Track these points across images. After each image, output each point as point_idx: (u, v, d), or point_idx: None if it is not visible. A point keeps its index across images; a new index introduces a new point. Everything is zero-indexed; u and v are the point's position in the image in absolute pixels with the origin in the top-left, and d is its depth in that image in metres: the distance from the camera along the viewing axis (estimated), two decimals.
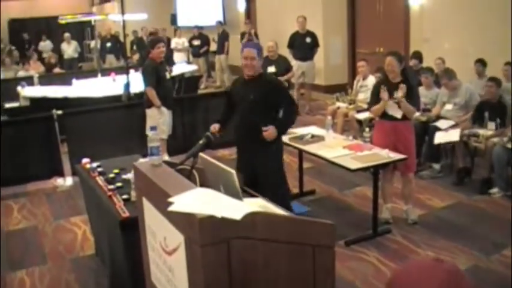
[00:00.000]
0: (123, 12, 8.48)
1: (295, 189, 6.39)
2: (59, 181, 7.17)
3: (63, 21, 11.71)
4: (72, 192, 6.83)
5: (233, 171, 2.39)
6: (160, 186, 2.46)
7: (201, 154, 2.81)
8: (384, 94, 5.29)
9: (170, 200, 2.23)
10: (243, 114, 4.83)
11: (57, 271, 4.83)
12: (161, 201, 2.41)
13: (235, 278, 2.19)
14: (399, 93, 5.20)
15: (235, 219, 2.07)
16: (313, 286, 2.38)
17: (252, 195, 2.87)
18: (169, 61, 11.31)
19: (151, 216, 2.67)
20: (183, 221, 2.22)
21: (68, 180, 7.16)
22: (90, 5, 14.88)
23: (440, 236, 5.17)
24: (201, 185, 2.64)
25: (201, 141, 3.01)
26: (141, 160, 4.08)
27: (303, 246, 2.35)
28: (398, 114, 5.30)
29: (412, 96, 5.31)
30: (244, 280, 2.22)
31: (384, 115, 5.40)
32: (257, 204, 2.54)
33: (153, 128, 2.97)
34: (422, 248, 4.96)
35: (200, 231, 2.09)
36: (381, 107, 5.37)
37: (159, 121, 6.72)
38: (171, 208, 2.18)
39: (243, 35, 13.38)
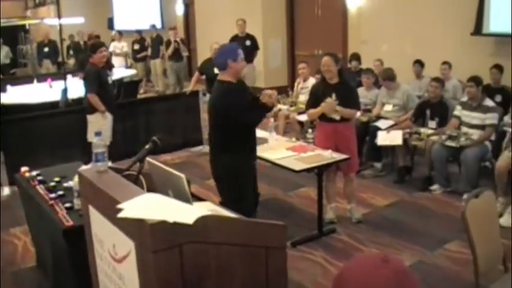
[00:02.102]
0: (59, 16, 8.29)
1: None
2: None
3: None
4: (10, 202, 6.59)
5: (183, 176, 2.36)
6: (108, 193, 2.40)
7: (148, 159, 2.76)
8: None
9: (119, 206, 2.18)
10: None
11: None
12: (109, 208, 2.35)
13: (189, 283, 2.16)
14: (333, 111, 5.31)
15: (188, 224, 2.04)
16: (266, 287, 2.37)
17: (201, 199, 2.84)
18: (109, 65, 11.08)
19: (99, 224, 2.61)
20: (133, 228, 2.17)
21: (5, 190, 6.92)
22: (24, 9, 14.41)
23: (385, 233, 5.27)
24: (148, 190, 2.59)
25: (147, 146, 2.94)
26: (84, 167, 3.99)
27: (255, 248, 2.34)
28: (336, 116, 5.36)
29: (351, 98, 5.40)
30: (198, 285, 2.20)
31: (324, 117, 5.45)
32: (206, 207, 2.52)
33: (97, 134, 2.90)
34: (368, 245, 5.04)
35: (152, 237, 2.05)
36: (317, 112, 5.43)
37: (103, 127, 6.57)
38: (120, 215, 2.13)
39: (168, 44, 12.95)
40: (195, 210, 2.18)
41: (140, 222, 2.08)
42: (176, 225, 2.05)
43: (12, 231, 5.74)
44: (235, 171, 4.37)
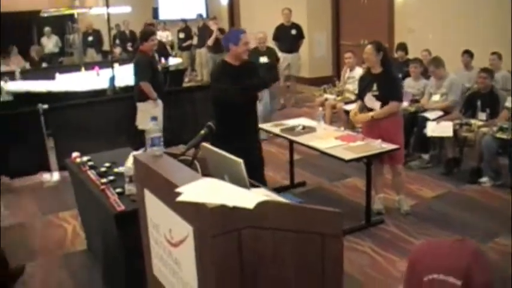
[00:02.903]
0: (107, 5, 8.37)
1: (285, 181, 6.39)
2: (46, 176, 7.09)
3: (45, 15, 11.52)
4: (59, 187, 6.76)
5: (241, 161, 2.35)
6: (165, 177, 2.41)
7: (203, 144, 2.77)
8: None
9: (178, 190, 2.18)
10: None
11: (48, 267, 4.76)
12: (166, 192, 2.36)
13: (246, 268, 2.15)
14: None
15: (247, 208, 2.04)
16: (322, 275, 2.36)
17: (254, 185, 2.83)
18: (165, 53, 11.11)
19: (154, 208, 2.62)
20: (192, 212, 2.17)
21: (55, 176, 7.08)
22: None
23: (433, 225, 5.19)
24: (203, 176, 2.59)
25: (202, 131, 2.96)
26: (135, 153, 4.03)
27: (311, 234, 2.32)
28: (376, 106, 5.31)
29: (392, 88, 5.33)
30: (254, 270, 2.19)
31: (367, 109, 5.46)
32: (261, 193, 2.50)
33: (153, 119, 2.91)
34: (416, 237, 4.97)
35: (211, 221, 2.05)
36: (360, 119, 5.58)
37: (154, 114, 6.60)
38: (179, 198, 2.13)
39: (209, 34, 12.67)
40: (253, 195, 2.18)
41: (199, 206, 2.08)
42: (235, 209, 2.05)
43: (61, 215, 5.87)
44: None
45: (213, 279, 2.13)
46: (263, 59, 8.32)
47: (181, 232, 2.32)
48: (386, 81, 5.30)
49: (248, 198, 2.10)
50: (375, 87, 5.31)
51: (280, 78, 9.14)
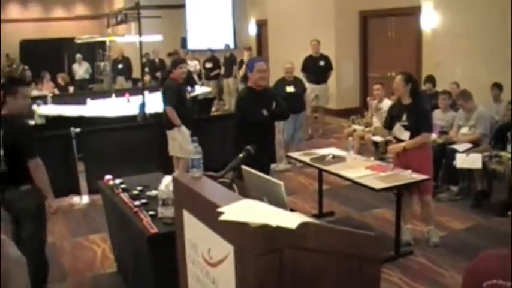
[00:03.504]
0: (140, 34, 8.54)
1: (314, 211, 6.38)
2: (75, 199, 7.17)
3: (79, 41, 11.80)
4: (89, 210, 6.83)
5: (281, 183, 2.39)
6: (206, 197, 2.45)
7: (243, 167, 2.82)
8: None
9: (220, 210, 2.23)
10: None
11: None
12: (207, 212, 2.41)
13: None
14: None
15: (290, 228, 2.07)
16: None
17: (291, 210, 2.87)
18: (191, 81, 11.27)
19: (193, 228, 2.66)
20: (233, 231, 2.20)
21: (84, 199, 7.16)
22: (106, 27, 14.94)
23: (462, 257, 5.13)
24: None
25: (241, 155, 3.03)
26: (167, 177, 4.10)
27: (350, 257, 2.34)
28: (405, 136, 5.34)
29: (421, 119, 5.36)
30: None
31: (396, 139, 5.52)
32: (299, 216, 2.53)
33: (194, 141, 2.97)
34: (445, 268, 4.94)
35: (254, 240, 2.08)
36: (392, 149, 5.60)
37: (181, 141, 6.74)
38: (222, 217, 2.17)
39: (241, 64, 13.01)
40: (295, 216, 2.21)
41: (241, 225, 2.12)
42: (278, 229, 2.08)
43: (91, 238, 5.93)
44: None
45: None
46: (289, 89, 8.40)
47: (221, 252, 2.35)
48: (416, 111, 5.34)
49: (290, 218, 2.14)
50: (404, 117, 5.36)
51: (306, 108, 9.20)
